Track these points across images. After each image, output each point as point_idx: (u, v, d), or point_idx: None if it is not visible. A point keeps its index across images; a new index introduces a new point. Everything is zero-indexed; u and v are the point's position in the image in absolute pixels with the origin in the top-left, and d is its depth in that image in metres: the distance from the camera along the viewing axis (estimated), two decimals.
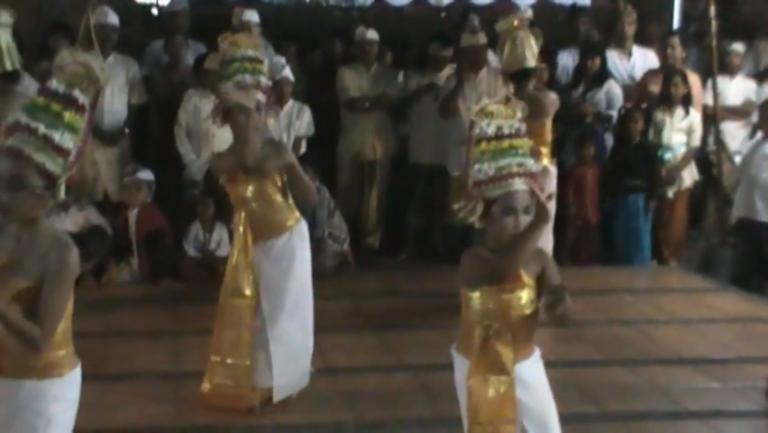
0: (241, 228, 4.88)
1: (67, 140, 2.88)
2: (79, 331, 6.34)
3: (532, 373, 3.38)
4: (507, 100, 3.36)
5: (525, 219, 3.21)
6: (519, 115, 3.31)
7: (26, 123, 2.86)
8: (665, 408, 5.18)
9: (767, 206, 7.78)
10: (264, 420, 4.89)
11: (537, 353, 3.43)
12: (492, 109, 3.28)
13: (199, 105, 7.73)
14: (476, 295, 3.30)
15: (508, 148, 3.22)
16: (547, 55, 8.31)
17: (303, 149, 7.90)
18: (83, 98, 2.93)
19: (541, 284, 3.29)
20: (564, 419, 3.49)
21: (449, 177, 8.13)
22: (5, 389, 3.01)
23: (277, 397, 4.92)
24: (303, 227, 4.99)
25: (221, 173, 4.98)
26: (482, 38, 7.93)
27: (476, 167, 3.23)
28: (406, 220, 8.52)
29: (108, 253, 7.45)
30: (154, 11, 11.26)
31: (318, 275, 7.36)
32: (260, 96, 4.77)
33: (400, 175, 8.56)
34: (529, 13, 8.78)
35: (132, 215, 7.48)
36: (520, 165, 3.21)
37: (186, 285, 7.41)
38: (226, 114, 4.84)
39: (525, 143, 3.27)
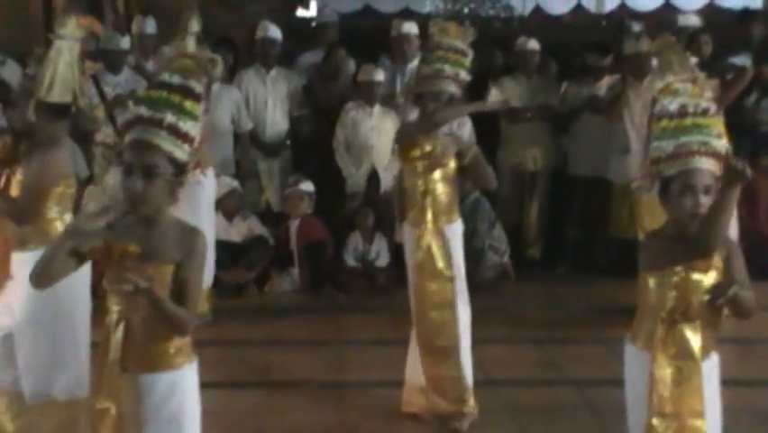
0: (429, 212, 4.88)
1: (190, 127, 3.00)
2: (243, 339, 6.60)
3: (712, 376, 3.26)
4: (694, 80, 3.28)
5: (705, 200, 3.08)
6: (709, 94, 3.21)
7: (150, 115, 2.98)
8: None
9: None
10: (428, 430, 4.92)
11: (716, 358, 3.28)
12: (677, 87, 3.22)
13: (357, 118, 7.85)
14: (657, 277, 3.20)
15: (691, 126, 3.13)
16: (716, 61, 8.09)
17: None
18: (198, 87, 3.04)
19: (724, 273, 3.16)
20: None
21: (609, 188, 8.02)
22: (138, 386, 3.05)
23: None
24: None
25: (405, 141, 5.03)
26: (646, 45, 7.77)
27: (654, 144, 3.17)
28: (565, 232, 8.43)
29: (270, 262, 7.63)
30: (314, 24, 11.52)
31: (478, 287, 7.43)
32: (454, 89, 4.81)
33: (560, 186, 8.47)
34: (694, 20, 8.63)
35: (294, 225, 7.63)
36: (703, 144, 3.10)
37: (346, 295, 7.51)
38: (417, 98, 4.94)
39: (711, 123, 3.15)
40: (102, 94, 7.74)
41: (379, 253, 7.71)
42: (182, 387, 3.10)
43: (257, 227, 7.69)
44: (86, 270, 4.43)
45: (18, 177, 4.32)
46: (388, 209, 7.93)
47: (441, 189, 4.89)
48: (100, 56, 8.01)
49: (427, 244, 4.88)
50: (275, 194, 8.05)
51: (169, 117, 2.97)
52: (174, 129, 2.97)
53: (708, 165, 3.10)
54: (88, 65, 8.10)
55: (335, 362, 6.02)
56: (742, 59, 8.20)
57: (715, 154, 3.11)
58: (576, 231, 8.36)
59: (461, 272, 4.99)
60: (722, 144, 3.14)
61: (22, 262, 4.26)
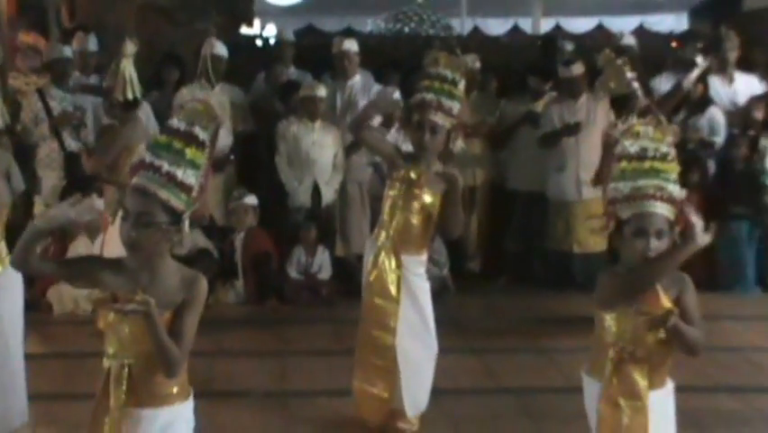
0: (392, 232, 4.80)
1: (189, 176, 2.93)
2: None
3: (663, 404, 3.27)
4: (658, 122, 3.30)
5: (656, 244, 3.10)
6: (670, 139, 3.21)
7: (150, 161, 2.92)
8: None
9: None
10: None
11: (671, 385, 3.30)
12: (639, 130, 3.21)
13: (298, 132, 7.81)
14: (612, 316, 3.20)
15: (649, 170, 3.13)
16: (644, 81, 8.21)
17: None
18: (203, 135, 2.97)
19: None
20: None
21: (547, 203, 8.09)
22: (140, 420, 3.06)
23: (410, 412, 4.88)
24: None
25: (389, 158, 4.94)
26: (577, 68, 7.91)
27: (612, 185, 3.18)
28: (504, 245, 8.47)
29: (215, 275, 7.55)
30: (258, 42, 11.51)
31: None
32: (437, 117, 4.70)
33: (499, 201, 8.52)
34: (629, 40, 8.77)
35: (239, 238, 7.60)
36: (660, 188, 3.11)
37: (290, 307, 7.48)
38: (404, 123, 4.94)
39: (670, 168, 3.15)
40: (48, 109, 7.65)
41: (322, 267, 7.70)
42: (180, 419, 3.12)
43: (201, 240, 7.61)
44: (18, 299, 4.40)
45: None
46: (329, 223, 7.94)
47: (414, 221, 4.78)
48: (46, 70, 7.91)
49: (382, 264, 4.81)
50: (218, 208, 7.98)
51: (166, 165, 2.91)
52: (171, 177, 2.91)
53: (662, 210, 3.11)
54: (33, 80, 8.05)
55: (279, 372, 5.98)
56: (670, 79, 8.34)
57: (670, 199, 3.12)
58: (515, 244, 8.42)
59: (423, 308, 4.90)
60: (678, 190, 3.14)
61: None
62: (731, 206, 7.90)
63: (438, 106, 4.69)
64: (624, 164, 3.17)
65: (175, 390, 3.08)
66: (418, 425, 4.94)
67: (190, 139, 2.95)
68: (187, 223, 2.99)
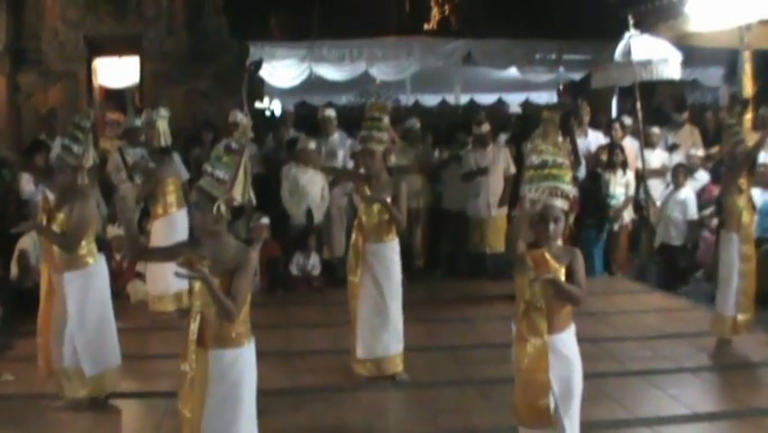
0: (361, 229, 4.85)
1: (224, 174, 3.03)
2: None
3: (565, 344, 3.17)
4: (555, 143, 3.28)
5: (554, 227, 3.07)
6: (564, 153, 3.18)
7: (205, 167, 3.07)
8: (615, 368, 5.20)
9: (678, 235, 7.89)
10: (342, 379, 4.91)
11: (572, 328, 3.21)
12: (542, 148, 3.18)
13: (296, 174, 7.74)
14: (524, 280, 3.14)
15: (547, 175, 3.10)
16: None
17: None
18: (235, 145, 3.09)
19: (567, 275, 3.09)
20: None
21: (468, 219, 8.10)
22: (209, 358, 3.00)
23: (360, 354, 4.86)
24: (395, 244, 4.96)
25: (356, 181, 5.09)
26: (485, 127, 7.96)
27: (524, 187, 3.16)
28: (439, 248, 8.46)
29: None
30: (268, 112, 11.50)
31: None
32: (372, 145, 4.76)
33: (436, 218, 8.48)
34: (517, 110, 8.87)
35: (258, 247, 7.51)
36: (555, 188, 3.07)
37: (292, 294, 7.41)
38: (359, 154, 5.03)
39: (563, 173, 3.11)
40: (125, 161, 7.61)
41: (314, 266, 7.65)
42: (242, 359, 3.06)
43: None
44: (106, 280, 4.43)
45: (60, 218, 4.33)
46: (319, 235, 7.90)
47: (374, 219, 4.81)
48: (124, 135, 7.89)
49: (353, 255, 4.87)
50: (242, 228, 7.90)
51: (210, 168, 3.04)
52: (213, 175, 3.02)
53: (558, 203, 3.09)
54: (116, 143, 8.03)
55: (285, 339, 5.94)
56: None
57: (564, 195, 3.10)
58: (447, 247, 8.40)
59: (381, 284, 4.86)
60: (570, 189, 3.12)
61: (71, 279, 4.34)
62: (585, 218, 7.96)
63: (371, 138, 4.79)
64: (532, 172, 3.15)
65: (233, 334, 3.02)
66: (374, 371, 4.90)
67: (227, 149, 3.07)
68: (223, 206, 3.02)
